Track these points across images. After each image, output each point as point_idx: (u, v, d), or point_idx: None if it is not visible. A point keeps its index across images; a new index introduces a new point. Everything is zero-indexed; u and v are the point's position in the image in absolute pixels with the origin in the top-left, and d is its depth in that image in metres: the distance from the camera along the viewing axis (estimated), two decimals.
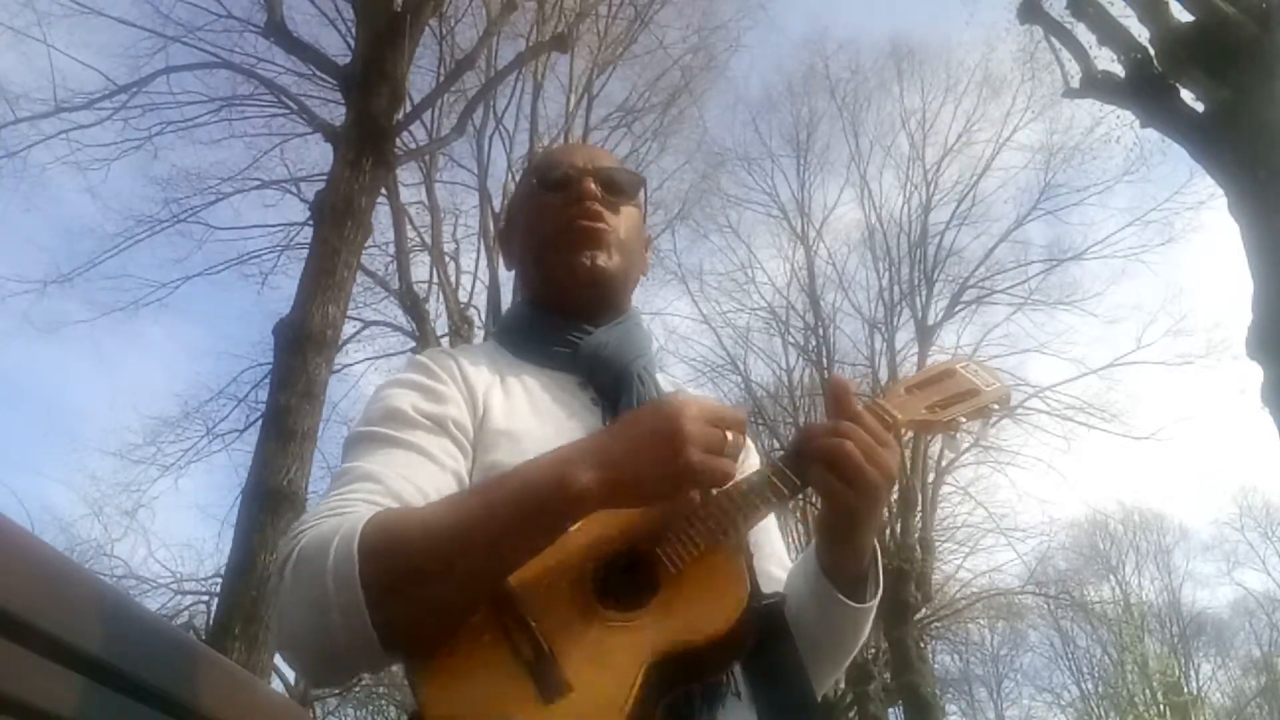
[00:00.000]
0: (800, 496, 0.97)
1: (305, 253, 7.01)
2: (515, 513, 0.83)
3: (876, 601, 1.06)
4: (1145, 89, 6.99)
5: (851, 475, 0.92)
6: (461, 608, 0.84)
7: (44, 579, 0.98)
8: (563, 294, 1.19)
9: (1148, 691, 24.88)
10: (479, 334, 11.88)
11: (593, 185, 1.18)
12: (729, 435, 0.88)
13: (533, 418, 1.08)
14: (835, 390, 1.00)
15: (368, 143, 6.86)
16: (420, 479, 0.97)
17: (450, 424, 1.04)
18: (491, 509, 0.84)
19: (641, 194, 1.28)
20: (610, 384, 1.13)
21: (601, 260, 1.16)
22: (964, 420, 1.04)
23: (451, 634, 0.83)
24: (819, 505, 1.01)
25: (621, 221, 1.20)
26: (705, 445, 0.85)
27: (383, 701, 18.05)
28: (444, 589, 0.82)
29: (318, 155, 11.67)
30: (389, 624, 0.81)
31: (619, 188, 1.22)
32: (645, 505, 0.89)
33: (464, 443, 1.04)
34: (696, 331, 18.27)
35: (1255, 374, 5.96)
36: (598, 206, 1.18)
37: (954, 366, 1.09)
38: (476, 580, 0.84)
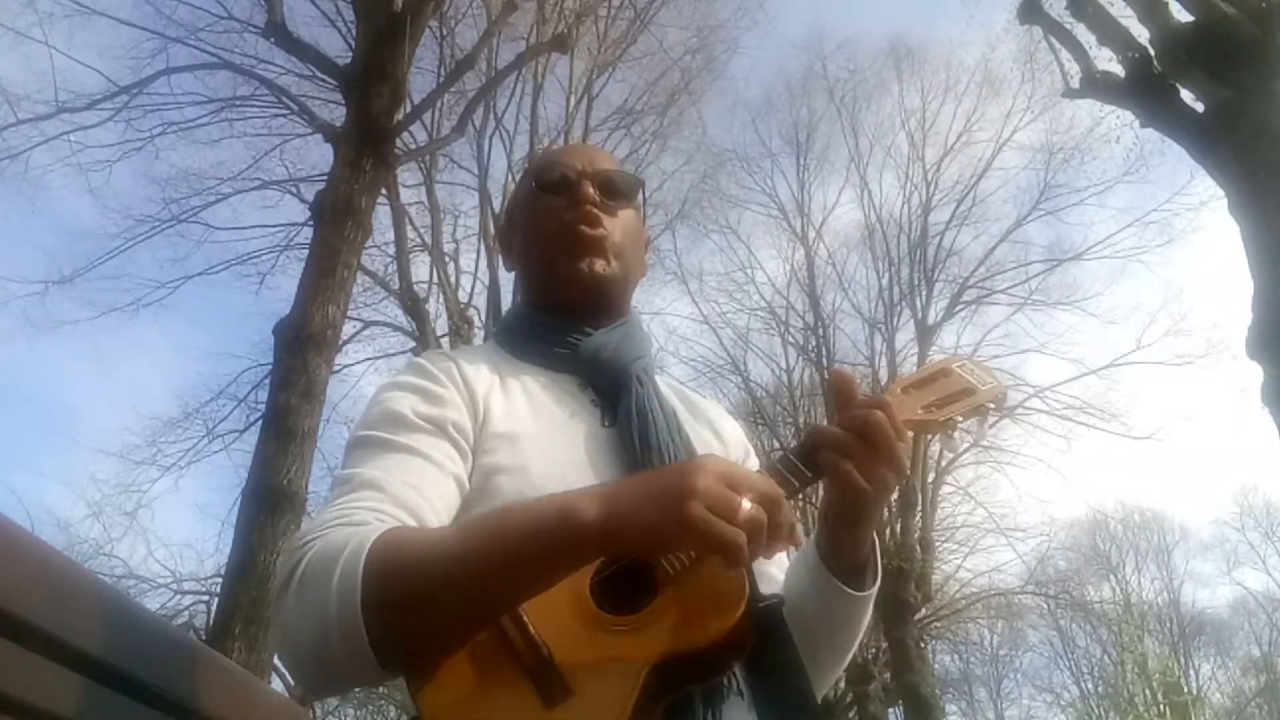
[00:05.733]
0: (805, 492, 0.97)
1: (305, 253, 7.02)
2: (520, 549, 0.82)
3: (875, 590, 1.07)
4: (1145, 89, 7.00)
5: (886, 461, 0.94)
6: (461, 635, 0.84)
7: (44, 579, 0.98)
8: (562, 298, 1.19)
9: (1148, 691, 24.88)
10: (479, 334, 11.88)
11: (591, 189, 1.18)
12: (745, 504, 0.81)
13: (533, 420, 1.08)
14: (839, 385, 1.00)
15: (368, 143, 6.86)
16: (422, 484, 0.96)
17: (450, 427, 1.03)
18: (497, 540, 0.83)
19: (640, 196, 1.28)
20: (610, 386, 1.13)
21: (600, 268, 1.16)
22: (960, 419, 1.04)
23: (451, 655, 0.83)
24: (824, 495, 1.01)
25: (619, 225, 1.20)
26: (712, 505, 0.79)
27: (383, 702, 18.06)
28: (444, 617, 0.82)
29: (318, 156, 11.69)
30: (388, 647, 0.81)
31: (617, 191, 1.21)
32: (645, 555, 0.86)
33: (464, 446, 1.04)
34: (696, 332, 18.26)
35: (1255, 374, 5.97)
36: (596, 211, 1.17)
37: (950, 365, 1.09)
38: (477, 610, 0.83)
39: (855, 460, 0.93)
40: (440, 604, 0.81)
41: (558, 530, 0.81)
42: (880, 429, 0.94)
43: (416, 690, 0.83)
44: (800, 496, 0.98)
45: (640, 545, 0.84)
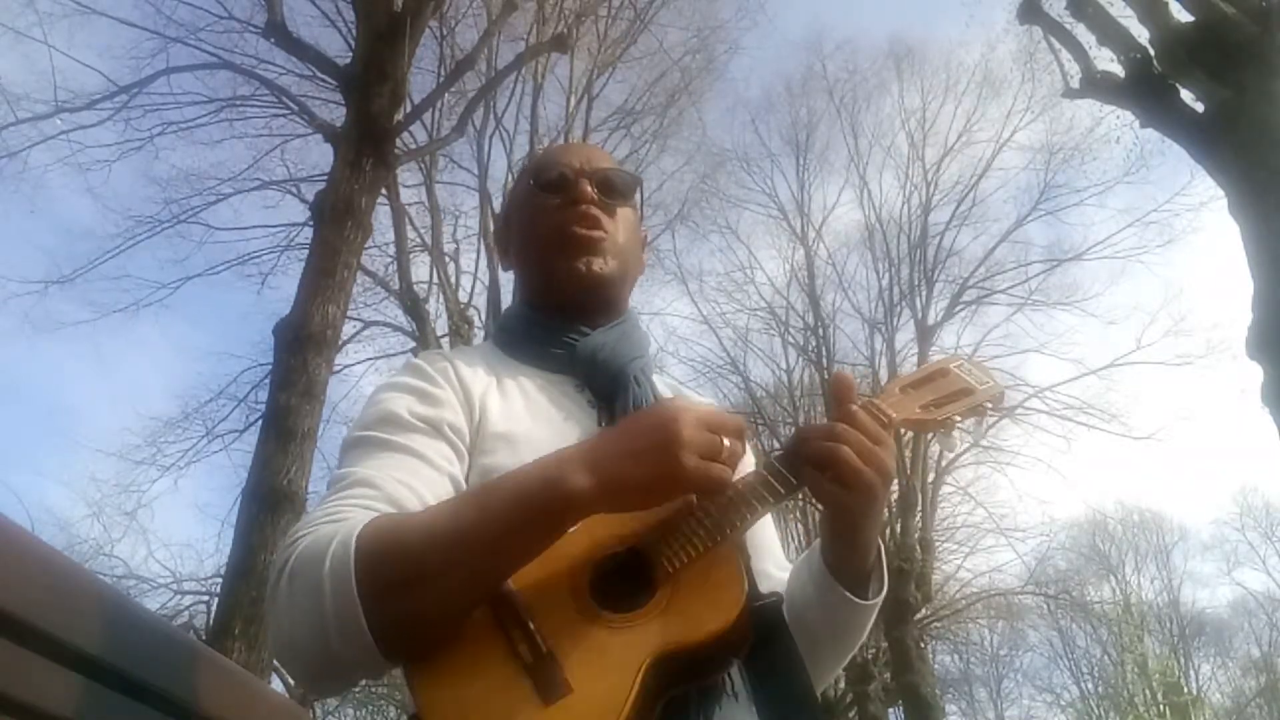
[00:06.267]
0: (798, 496, 0.97)
1: (305, 253, 7.02)
2: (510, 516, 0.83)
3: (880, 599, 1.06)
4: (1145, 89, 7.00)
5: (846, 477, 0.93)
6: (458, 612, 0.84)
7: (44, 579, 0.98)
8: (560, 297, 1.19)
9: (1148, 691, 24.87)
10: (479, 334, 11.88)
11: (588, 188, 1.18)
12: (726, 441, 0.87)
13: (529, 420, 1.08)
14: (836, 387, 1.00)
15: (368, 143, 6.86)
16: (416, 483, 0.97)
17: (446, 427, 1.03)
18: (486, 512, 0.84)
19: (638, 194, 1.28)
20: (607, 385, 1.13)
21: (597, 266, 1.16)
22: (958, 419, 1.04)
23: (449, 637, 0.84)
24: (821, 504, 1.01)
25: (617, 224, 1.20)
26: (701, 450, 0.85)
27: (383, 702, 18.05)
28: (439, 594, 0.82)
29: (318, 156, 11.71)
30: (385, 629, 0.81)
31: (615, 189, 1.21)
32: (640, 509, 0.89)
33: (460, 446, 1.04)
34: (696, 332, 18.28)
35: (1255, 374, 5.97)
36: (594, 211, 1.17)
37: (948, 366, 1.09)
38: (472, 584, 0.83)
39: (836, 473, 0.93)
40: (435, 580, 0.81)
41: (548, 499, 0.83)
42: (855, 441, 0.94)
43: (414, 686, 0.83)
44: (797, 498, 0.98)
45: (633, 502, 0.87)
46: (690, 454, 0.84)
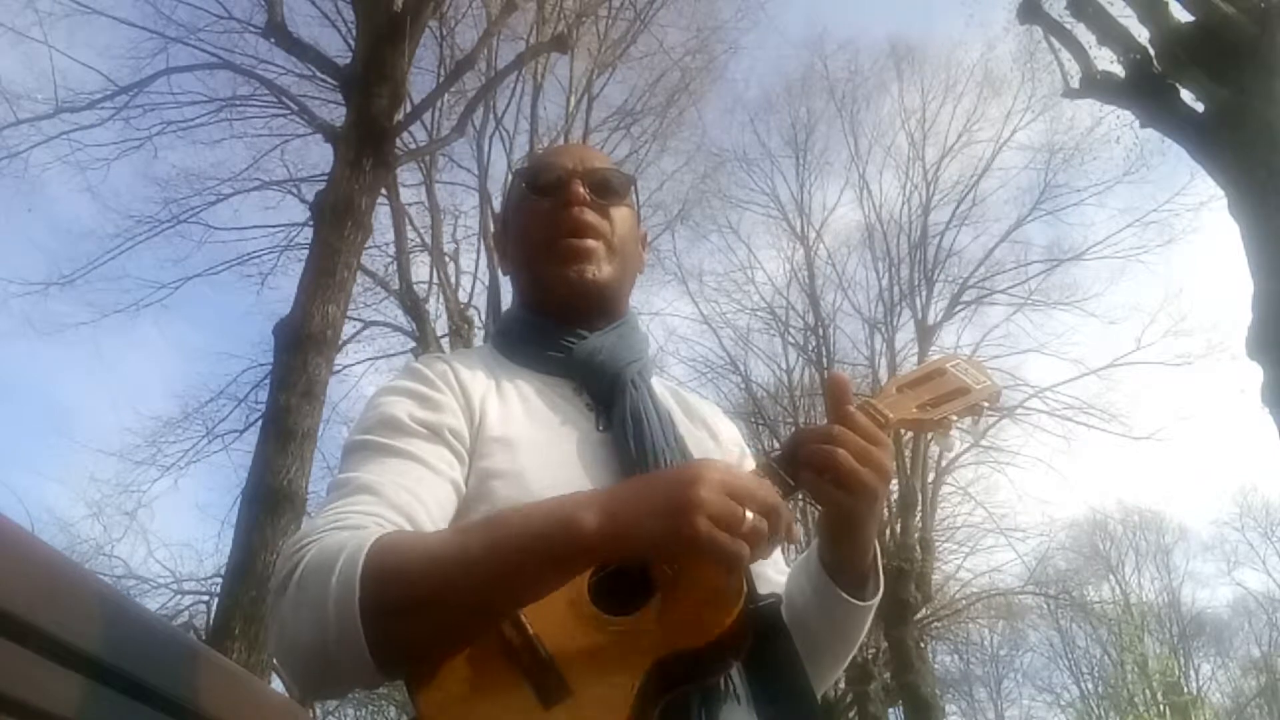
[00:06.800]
0: (796, 498, 0.97)
1: (305, 253, 7.03)
2: (516, 554, 0.82)
3: (878, 600, 1.07)
4: (1145, 89, 7.00)
5: (844, 480, 0.93)
6: (457, 640, 0.84)
7: (44, 579, 0.98)
8: (555, 304, 1.18)
9: (1148, 691, 24.87)
10: (479, 334, 11.89)
11: (581, 189, 1.17)
12: (749, 515, 0.81)
13: (528, 424, 1.08)
14: (832, 388, 1.00)
15: (368, 143, 6.87)
16: (419, 488, 0.97)
17: (446, 431, 1.03)
18: (493, 547, 0.83)
19: (633, 193, 1.27)
20: (604, 389, 1.12)
21: (591, 274, 1.15)
22: (955, 418, 1.04)
23: (448, 658, 0.84)
24: (819, 506, 1.01)
25: (613, 224, 1.19)
26: (717, 518, 0.79)
27: (383, 702, 18.06)
28: (440, 623, 0.82)
29: (318, 156, 11.70)
30: (383, 649, 0.81)
31: (609, 189, 1.20)
32: (648, 562, 0.87)
33: (460, 450, 1.04)
34: (696, 332, 18.32)
35: (1255, 374, 5.97)
36: (587, 215, 1.16)
37: (944, 365, 1.09)
38: (473, 617, 0.83)
39: (833, 476, 0.93)
40: (438, 610, 0.81)
41: (558, 541, 0.81)
42: (852, 443, 0.93)
43: (415, 690, 0.83)
44: (795, 499, 0.98)
45: (642, 556, 0.85)
46: (704, 520, 0.79)
